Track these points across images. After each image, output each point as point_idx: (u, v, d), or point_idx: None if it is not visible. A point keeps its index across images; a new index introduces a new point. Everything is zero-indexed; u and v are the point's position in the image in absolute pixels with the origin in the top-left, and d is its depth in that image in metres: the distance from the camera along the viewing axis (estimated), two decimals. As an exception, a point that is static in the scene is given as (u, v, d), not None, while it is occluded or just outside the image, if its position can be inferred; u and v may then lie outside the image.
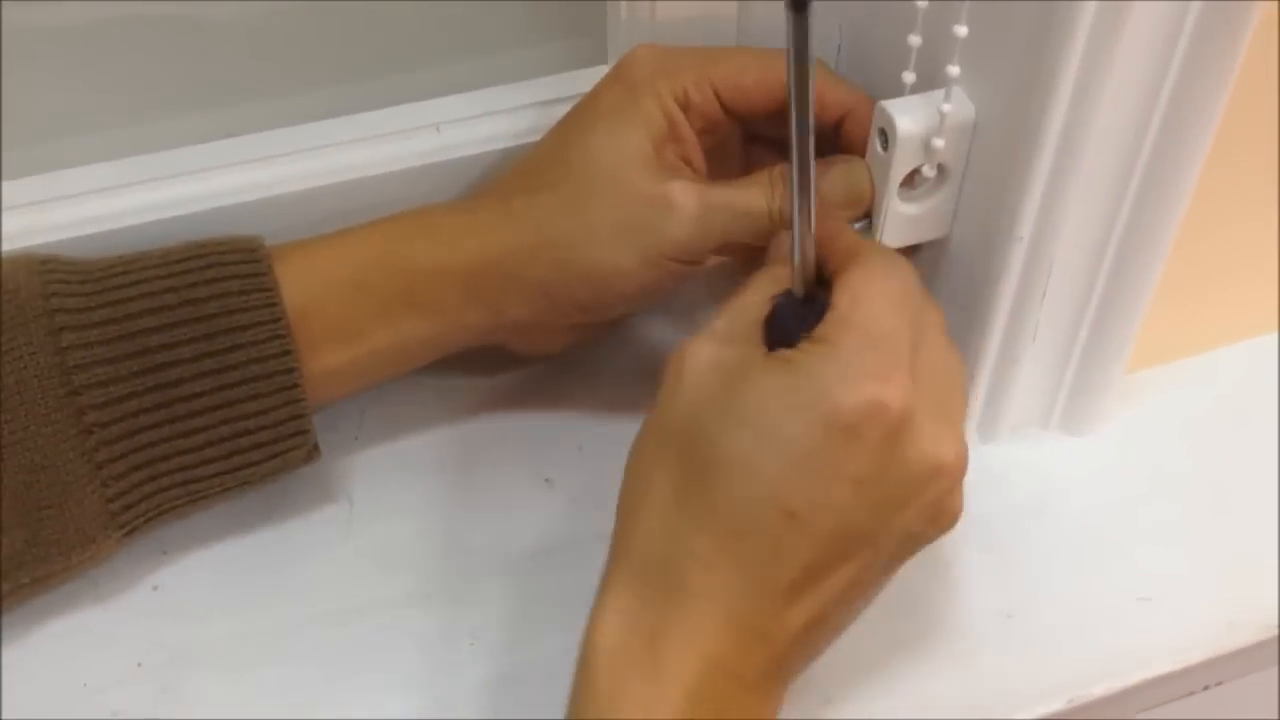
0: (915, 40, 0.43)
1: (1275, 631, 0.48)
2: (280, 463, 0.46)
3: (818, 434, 0.37)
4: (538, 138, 0.50)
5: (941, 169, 0.46)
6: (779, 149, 0.42)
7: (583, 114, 0.49)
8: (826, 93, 0.47)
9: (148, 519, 0.45)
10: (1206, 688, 0.49)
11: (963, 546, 0.50)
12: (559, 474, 0.52)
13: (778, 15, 0.49)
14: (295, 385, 0.44)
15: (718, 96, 0.47)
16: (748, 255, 0.47)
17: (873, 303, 0.39)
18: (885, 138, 0.45)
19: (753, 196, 0.46)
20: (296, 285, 0.45)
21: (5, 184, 0.50)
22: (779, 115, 0.44)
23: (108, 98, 0.54)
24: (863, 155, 0.47)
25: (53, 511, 0.42)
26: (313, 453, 0.46)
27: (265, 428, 0.45)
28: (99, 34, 0.53)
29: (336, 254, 0.46)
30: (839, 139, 0.48)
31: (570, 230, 0.46)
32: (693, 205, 0.45)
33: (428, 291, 0.46)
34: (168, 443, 0.44)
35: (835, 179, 0.46)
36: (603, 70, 0.54)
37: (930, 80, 0.44)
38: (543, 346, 0.53)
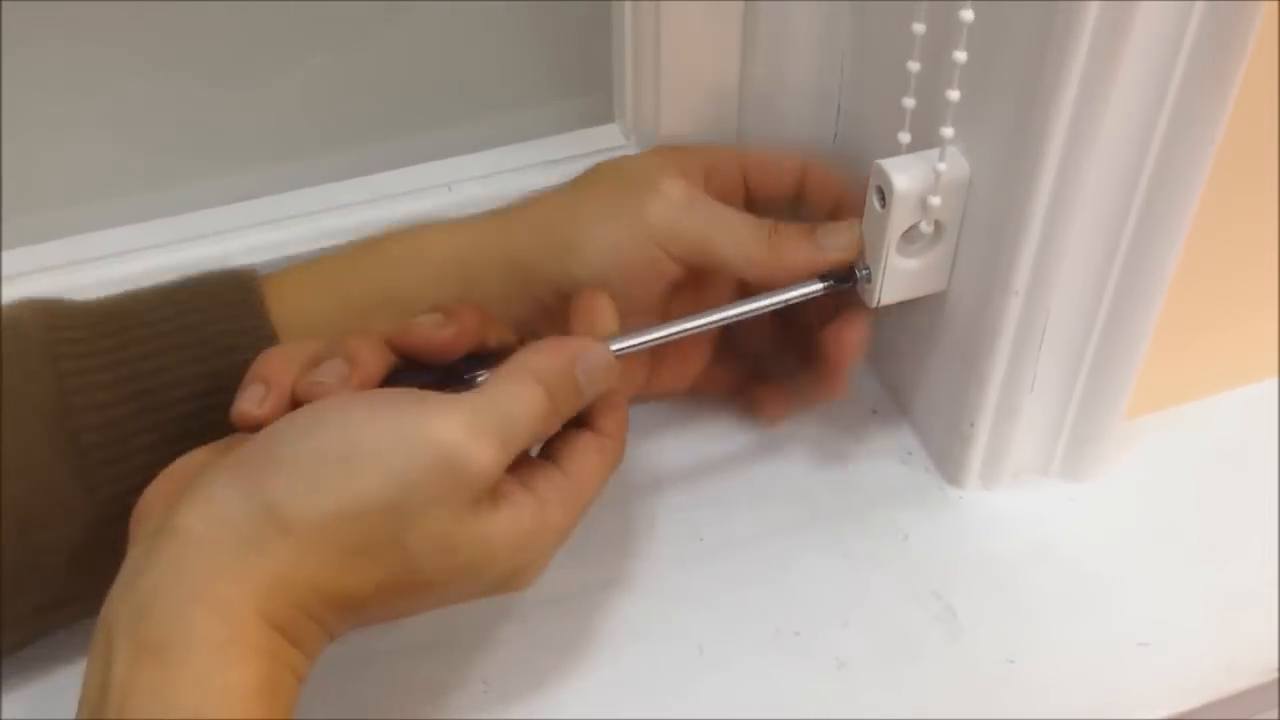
0: (910, 102, 0.45)
1: (1275, 675, 0.48)
2: None
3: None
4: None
5: (938, 225, 0.47)
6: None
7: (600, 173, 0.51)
8: (821, 180, 0.50)
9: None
10: (1207, 731, 0.50)
11: (964, 591, 0.50)
12: (569, 523, 0.53)
13: (778, 67, 0.51)
14: None
15: (744, 174, 0.50)
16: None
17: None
18: (883, 195, 0.46)
19: (749, 224, 0.47)
20: (287, 309, 0.45)
21: (25, 249, 0.51)
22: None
23: (127, 162, 0.56)
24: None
25: (48, 533, 0.42)
26: None
27: None
28: (116, 101, 0.54)
29: (329, 282, 0.47)
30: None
31: (561, 209, 0.48)
32: (680, 194, 0.47)
33: (415, 301, 0.46)
34: (163, 466, 0.42)
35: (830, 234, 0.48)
36: (612, 128, 0.56)
37: (926, 139, 0.45)
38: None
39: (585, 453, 0.43)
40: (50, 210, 0.53)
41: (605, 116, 0.57)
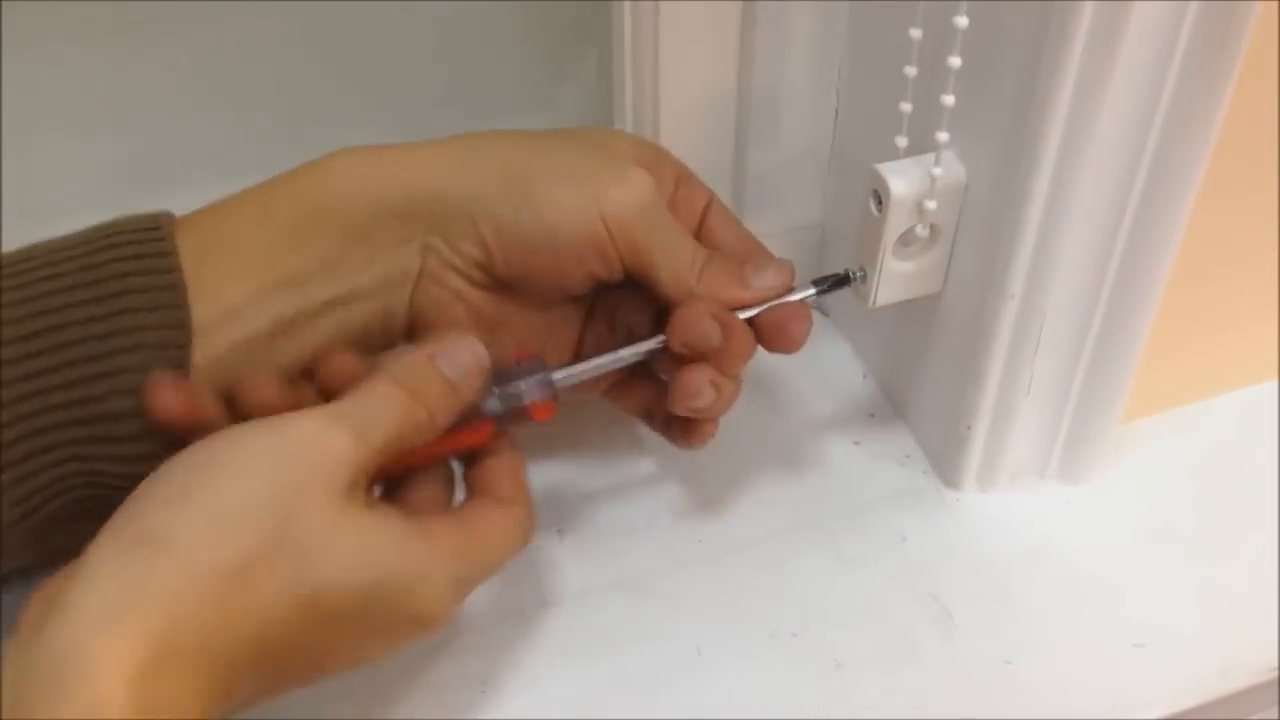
0: (906, 107, 0.45)
1: (1269, 676, 0.49)
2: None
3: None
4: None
5: (934, 229, 0.47)
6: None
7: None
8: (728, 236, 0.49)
9: (48, 500, 0.42)
10: (1203, 732, 0.50)
11: (961, 593, 0.51)
12: (570, 525, 0.53)
13: (776, 72, 0.51)
14: (184, 360, 0.42)
15: (701, 216, 0.49)
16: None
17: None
18: (879, 199, 0.46)
19: (690, 248, 0.46)
20: (198, 229, 0.44)
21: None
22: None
23: (127, 165, 0.56)
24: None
25: None
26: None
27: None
28: (116, 104, 0.54)
29: (244, 193, 0.45)
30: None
31: (529, 152, 0.46)
32: (646, 191, 0.45)
33: (342, 216, 0.44)
34: (62, 410, 0.41)
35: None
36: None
37: (923, 144, 0.46)
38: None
39: (485, 511, 0.43)
40: (50, 214, 0.53)
41: (604, 121, 0.58)
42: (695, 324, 0.45)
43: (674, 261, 0.46)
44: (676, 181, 0.49)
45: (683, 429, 0.49)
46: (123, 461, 0.42)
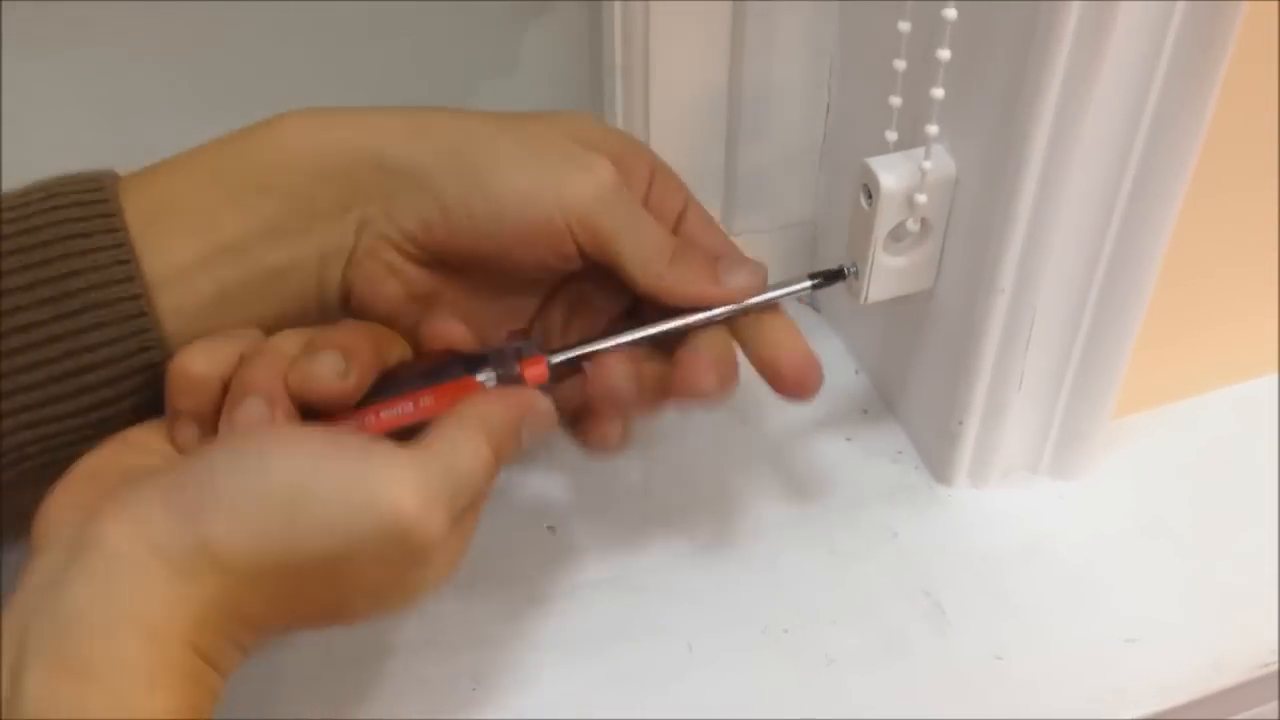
0: (896, 101, 0.45)
1: (1264, 671, 0.49)
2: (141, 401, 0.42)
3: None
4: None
5: (924, 223, 0.47)
6: None
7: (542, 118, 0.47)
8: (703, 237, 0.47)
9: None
10: (1195, 728, 0.50)
11: (953, 589, 0.51)
12: (561, 521, 0.53)
13: (767, 68, 0.51)
14: (141, 314, 0.41)
15: (676, 221, 0.47)
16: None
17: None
18: (869, 193, 0.46)
19: (659, 236, 0.44)
20: (144, 189, 0.42)
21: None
22: None
23: (127, 166, 0.56)
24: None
25: None
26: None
27: (113, 361, 0.41)
28: (117, 104, 0.54)
29: (192, 152, 0.44)
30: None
31: (484, 133, 0.44)
32: (608, 180, 0.43)
33: (286, 177, 0.43)
34: (8, 378, 0.40)
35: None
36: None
37: (913, 138, 0.46)
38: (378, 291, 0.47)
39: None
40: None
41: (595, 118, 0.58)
42: (697, 376, 0.44)
43: (641, 250, 0.44)
44: (651, 178, 0.47)
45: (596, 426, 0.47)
46: (75, 417, 0.42)
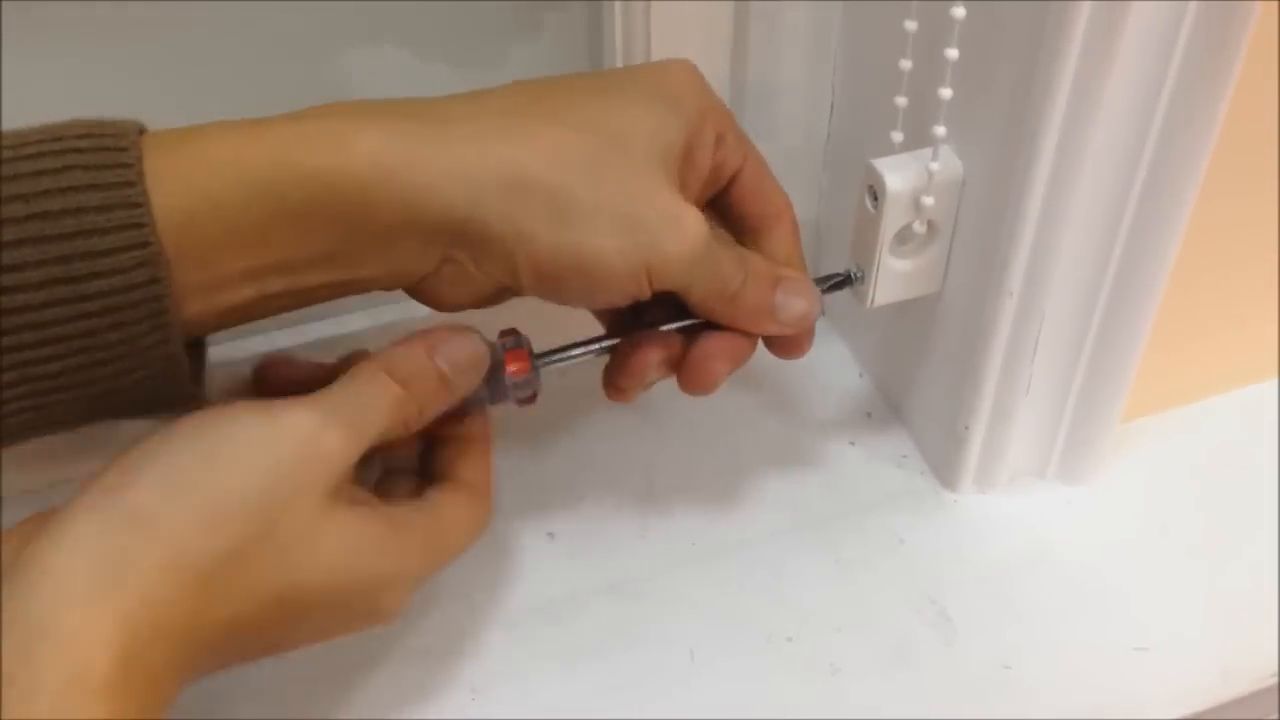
0: (902, 101, 0.44)
1: (1272, 680, 0.48)
2: (152, 396, 0.41)
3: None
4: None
5: (931, 225, 0.46)
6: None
7: (621, 78, 0.45)
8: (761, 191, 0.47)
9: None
10: (1205, 736, 0.49)
11: (960, 596, 0.50)
12: (561, 527, 0.53)
13: (770, 66, 0.51)
14: (165, 311, 0.38)
15: (730, 178, 0.46)
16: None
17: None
18: (875, 195, 0.45)
19: (730, 266, 0.44)
20: (175, 184, 0.38)
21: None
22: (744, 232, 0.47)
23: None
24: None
25: None
26: (190, 387, 0.41)
27: (131, 355, 0.39)
28: (117, 104, 0.53)
29: (240, 148, 0.39)
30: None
31: (580, 181, 0.41)
32: (700, 241, 0.42)
33: (360, 218, 0.40)
34: (16, 370, 0.38)
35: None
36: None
37: (919, 139, 0.45)
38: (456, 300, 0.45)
39: (454, 501, 0.44)
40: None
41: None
42: (704, 380, 0.46)
43: (707, 290, 0.44)
44: (717, 139, 0.45)
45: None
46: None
